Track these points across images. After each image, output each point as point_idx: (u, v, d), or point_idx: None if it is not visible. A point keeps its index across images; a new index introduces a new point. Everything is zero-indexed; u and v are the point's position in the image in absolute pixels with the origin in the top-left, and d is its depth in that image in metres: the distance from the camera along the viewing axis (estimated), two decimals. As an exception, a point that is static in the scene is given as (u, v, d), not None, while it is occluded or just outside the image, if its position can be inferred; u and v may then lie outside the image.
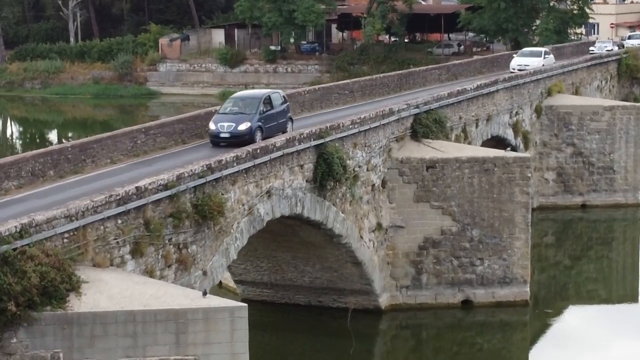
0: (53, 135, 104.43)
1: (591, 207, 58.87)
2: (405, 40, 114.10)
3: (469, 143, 48.34)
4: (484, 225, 41.33)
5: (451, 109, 46.35)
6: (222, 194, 30.48)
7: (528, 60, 63.16)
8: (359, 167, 38.62)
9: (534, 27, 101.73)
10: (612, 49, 77.57)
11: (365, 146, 39.09)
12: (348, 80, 50.80)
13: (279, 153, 33.27)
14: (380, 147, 40.24)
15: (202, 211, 29.33)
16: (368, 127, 38.96)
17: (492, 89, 50.95)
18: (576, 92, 63.97)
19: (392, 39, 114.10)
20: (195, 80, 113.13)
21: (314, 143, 35.36)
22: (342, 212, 37.45)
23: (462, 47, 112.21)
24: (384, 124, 40.19)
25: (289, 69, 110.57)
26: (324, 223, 36.53)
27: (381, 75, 53.97)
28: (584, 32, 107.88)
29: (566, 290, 48.15)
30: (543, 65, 62.88)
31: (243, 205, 31.75)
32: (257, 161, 32.09)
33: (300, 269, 40.40)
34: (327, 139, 35.96)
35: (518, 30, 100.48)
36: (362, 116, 38.64)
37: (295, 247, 39.07)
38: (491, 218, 41.38)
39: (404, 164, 41.13)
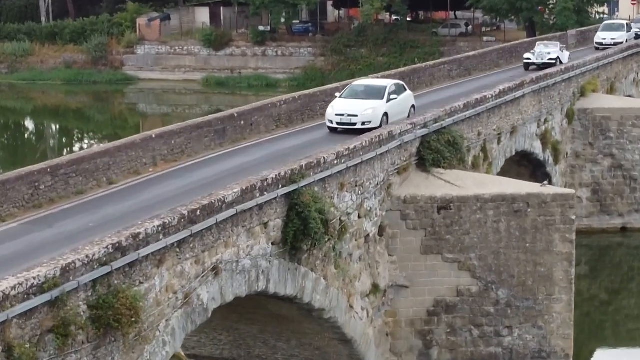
0: (28, 124, 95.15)
1: (633, 230, 48.81)
2: (408, 20, 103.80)
3: (490, 164, 38.25)
4: (514, 283, 31.38)
5: (468, 124, 36.24)
6: (140, 283, 20.44)
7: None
8: (348, 214, 28.50)
9: (550, 6, 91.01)
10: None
11: (356, 186, 28.98)
12: (338, 84, 40.56)
13: (230, 212, 23.17)
14: (377, 185, 30.14)
15: (103, 318, 19.30)
16: (360, 161, 28.83)
17: (518, 93, 40.75)
18: (611, 89, 53.78)
19: (393, 18, 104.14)
20: (177, 64, 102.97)
21: (282, 191, 25.25)
22: (325, 279, 27.37)
23: (470, 27, 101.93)
24: (381, 154, 30.06)
25: (280, 52, 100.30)
26: (299, 297, 26.50)
27: (378, 76, 43.68)
28: (606, 12, 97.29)
29: (602, 330, 39.57)
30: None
31: (175, 293, 21.68)
32: (197, 228, 21.99)
33: (270, 344, 30.38)
34: (302, 184, 25.84)
35: (533, 9, 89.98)
36: (352, 145, 28.48)
37: (262, 320, 29.08)
38: (523, 274, 31.42)
39: (409, 205, 31.06)
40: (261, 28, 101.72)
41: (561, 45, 53.58)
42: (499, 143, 39.24)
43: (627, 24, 62.64)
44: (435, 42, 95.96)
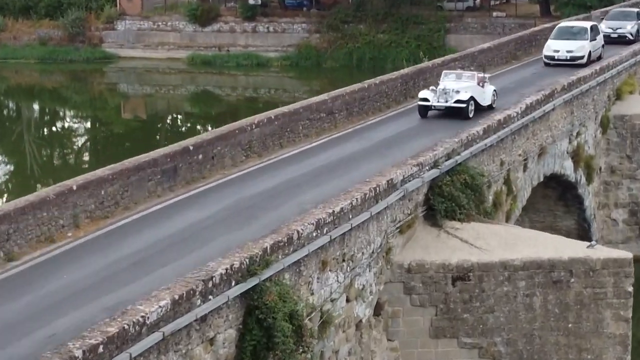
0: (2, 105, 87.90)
1: (678, 258, 41.20)
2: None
3: (514, 198, 30.69)
4: (552, 375, 23.99)
5: (488, 154, 28.67)
6: None
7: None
8: (332, 301, 20.97)
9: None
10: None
11: (344, 260, 21.43)
12: (325, 96, 32.84)
13: (154, 338, 15.68)
14: (372, 253, 22.59)
15: None
16: (349, 227, 21.27)
17: (547, 106, 33.10)
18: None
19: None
20: (160, 41, 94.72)
21: (236, 291, 17.73)
22: (299, 392, 19.90)
23: (478, 0, 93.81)
24: (378, 212, 22.50)
25: (271, 29, 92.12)
26: None
27: (377, 80, 35.95)
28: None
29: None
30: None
31: None
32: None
33: None
34: (266, 274, 18.32)
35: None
36: (338, 208, 20.87)
37: None
38: (564, 363, 24.03)
39: (414, 274, 23.56)
40: (251, 2, 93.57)
41: (483, 75, 34.92)
42: (524, 170, 31.67)
43: (591, 27, 44.85)
44: (440, 18, 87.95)
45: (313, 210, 20.68)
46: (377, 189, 22.44)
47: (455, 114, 32.31)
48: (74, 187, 22.41)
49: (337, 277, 21.06)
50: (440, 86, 33.24)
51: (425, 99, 33.07)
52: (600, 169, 39.85)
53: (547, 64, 43.57)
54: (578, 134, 36.69)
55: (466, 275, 23.54)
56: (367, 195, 21.98)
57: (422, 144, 29.57)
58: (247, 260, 17.98)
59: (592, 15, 59.54)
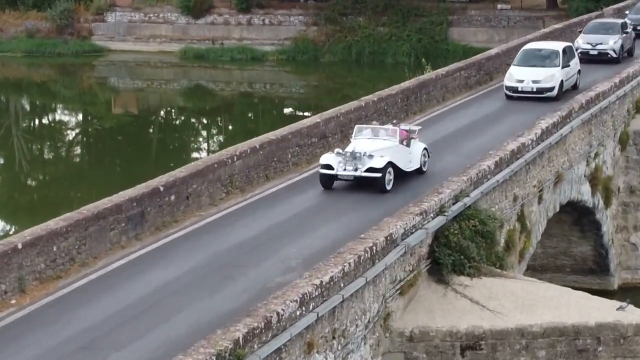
0: None
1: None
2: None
3: (528, 234, 27.41)
4: None
5: (500, 190, 25.36)
6: None
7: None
8: (319, 388, 17.70)
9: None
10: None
11: (334, 338, 18.14)
12: (317, 118, 29.46)
13: None
14: (368, 323, 19.30)
15: None
16: (340, 299, 17.97)
17: (565, 129, 29.76)
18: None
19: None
20: (151, 33, 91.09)
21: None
22: None
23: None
24: (375, 277, 19.20)
25: (267, 21, 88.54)
26: None
27: (374, 97, 32.53)
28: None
29: None
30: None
31: None
32: None
33: None
34: (239, 370, 15.09)
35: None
36: (327, 277, 17.58)
37: None
38: None
39: (417, 343, 20.29)
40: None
41: (409, 129, 27.37)
42: (539, 202, 28.37)
43: (564, 49, 36.75)
44: (442, 10, 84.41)
45: (297, 282, 17.36)
46: (374, 247, 19.14)
47: (369, 185, 24.81)
48: (19, 246, 19.13)
49: (326, 358, 17.78)
50: (350, 147, 25.12)
51: (328, 166, 24.90)
52: (618, 189, 36.55)
53: (508, 97, 35.79)
54: (596, 154, 33.40)
55: (477, 344, 20.28)
56: (362, 258, 18.68)
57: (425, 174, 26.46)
58: (214, 358, 14.72)
59: (604, 12, 56.00)
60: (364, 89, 79.27)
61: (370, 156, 24.58)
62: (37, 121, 78.70)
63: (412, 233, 20.65)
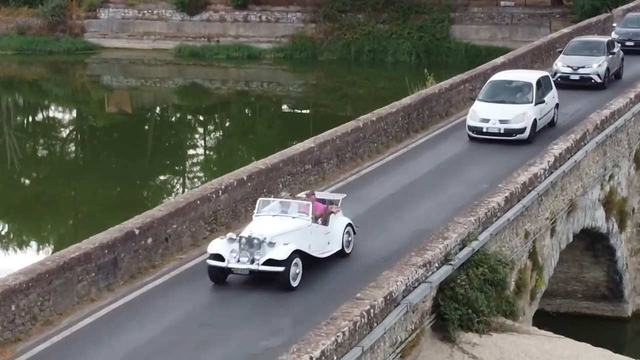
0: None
1: None
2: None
3: (540, 271, 25.21)
4: None
5: (511, 228, 23.13)
6: None
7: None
8: None
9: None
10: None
11: (326, 420, 15.93)
12: (311, 143, 27.12)
13: None
14: (364, 396, 17.10)
15: None
16: (333, 376, 15.75)
17: (578, 154, 27.52)
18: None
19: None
20: (145, 30, 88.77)
21: None
22: None
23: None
24: (373, 344, 16.97)
25: (264, 18, 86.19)
26: None
27: (373, 117, 30.26)
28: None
29: None
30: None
31: None
32: None
33: None
34: None
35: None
36: (318, 352, 15.33)
37: None
38: None
39: (419, 413, 18.06)
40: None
41: (329, 200, 22.12)
42: (552, 235, 26.14)
43: (538, 81, 31.61)
44: (444, 7, 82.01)
45: (282, 359, 15.14)
46: (372, 310, 16.92)
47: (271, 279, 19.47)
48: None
49: None
50: (247, 230, 19.74)
51: (218, 257, 19.65)
52: (633, 210, 34.32)
53: (472, 138, 30.72)
54: (611, 176, 31.16)
55: (487, 414, 18.08)
56: (358, 324, 16.46)
57: (432, 207, 24.26)
58: None
59: (613, 15, 53.64)
60: (364, 88, 77.68)
61: (272, 243, 19.15)
62: (29, 120, 77.01)
63: (414, 288, 18.45)
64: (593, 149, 28.77)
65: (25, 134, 69.15)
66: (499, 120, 30.15)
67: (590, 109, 32.95)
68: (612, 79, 39.13)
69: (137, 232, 20.60)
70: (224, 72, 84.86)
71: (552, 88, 32.45)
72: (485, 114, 30.43)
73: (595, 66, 38.00)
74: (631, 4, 57.06)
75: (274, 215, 20.30)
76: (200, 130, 71.54)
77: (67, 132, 70.96)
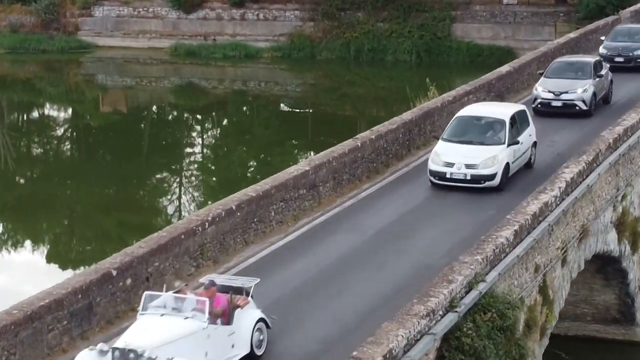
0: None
1: None
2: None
3: (550, 305, 23.52)
4: None
5: (520, 264, 21.42)
6: None
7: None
8: None
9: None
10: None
11: None
12: (306, 166, 25.39)
13: None
14: None
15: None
16: None
17: (591, 178, 25.81)
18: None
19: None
20: (140, 29, 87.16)
21: None
22: None
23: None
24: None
25: (262, 16, 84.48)
26: None
27: (372, 135, 28.51)
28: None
29: None
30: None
31: None
32: None
33: None
34: None
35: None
36: None
37: None
38: None
39: None
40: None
41: (237, 298, 17.53)
42: (563, 265, 24.45)
43: (512, 117, 27.67)
44: (445, 5, 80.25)
45: None
46: (369, 373, 15.24)
47: None
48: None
49: None
50: (122, 340, 15.59)
51: None
52: (644, 228, 32.64)
53: (433, 184, 26.73)
54: (623, 196, 29.46)
55: None
56: (353, 392, 14.79)
57: (437, 236, 22.63)
58: None
59: (621, 17, 51.85)
60: (363, 88, 76.03)
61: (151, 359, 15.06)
62: (23, 119, 75.95)
63: (417, 341, 16.78)
64: (606, 170, 27.05)
65: (19, 133, 68.33)
66: (465, 165, 26.11)
67: (574, 140, 30.47)
68: (600, 104, 35.53)
69: (114, 272, 18.93)
70: (220, 71, 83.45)
71: (529, 124, 28.39)
72: (450, 156, 26.26)
73: (580, 91, 34.28)
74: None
75: (162, 315, 16.03)
76: (197, 130, 70.21)
77: (61, 131, 69.93)
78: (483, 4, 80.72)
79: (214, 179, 54.96)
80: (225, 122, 71.89)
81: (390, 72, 78.03)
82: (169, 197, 51.14)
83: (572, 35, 45.99)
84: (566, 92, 34.23)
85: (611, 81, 36.59)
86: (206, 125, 71.75)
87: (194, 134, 68.45)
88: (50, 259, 40.45)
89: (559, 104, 34.25)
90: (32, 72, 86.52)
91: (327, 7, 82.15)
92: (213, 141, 65.74)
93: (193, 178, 55.65)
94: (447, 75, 77.46)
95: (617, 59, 40.33)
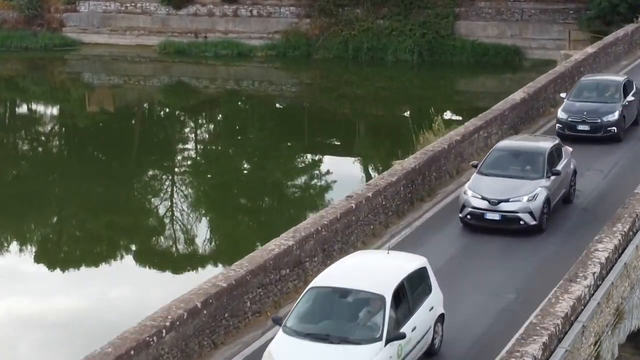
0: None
1: None
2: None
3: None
4: None
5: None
6: None
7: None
8: None
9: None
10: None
11: None
12: (290, 240, 21.14)
13: None
14: None
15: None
16: None
17: (628, 255, 21.77)
18: None
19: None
20: (128, 25, 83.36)
21: None
22: None
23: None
24: None
25: (255, 12, 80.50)
26: None
27: (369, 192, 24.43)
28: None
29: None
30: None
31: None
32: None
33: None
34: None
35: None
36: None
37: None
38: None
39: None
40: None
41: None
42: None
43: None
44: (448, 2, 76.00)
45: None
46: None
47: None
48: None
49: None
50: None
51: None
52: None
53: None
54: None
55: None
56: None
57: (454, 325, 18.68)
58: None
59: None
60: (362, 88, 72.09)
61: None
62: (5, 117, 73.12)
63: None
64: (643, 238, 23.04)
65: (2, 132, 66.37)
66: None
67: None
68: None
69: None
70: (212, 70, 79.95)
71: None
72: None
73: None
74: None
75: None
76: (187, 129, 67.64)
77: (46, 131, 67.44)
78: (488, 0, 76.57)
79: (205, 177, 52.46)
80: (217, 122, 69.31)
81: (390, 72, 74.72)
82: (160, 196, 49.27)
83: (589, 50, 41.81)
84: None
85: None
86: (197, 125, 69.38)
87: (184, 135, 65.87)
88: (38, 259, 38.78)
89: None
90: (14, 70, 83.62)
91: (324, 3, 78.29)
92: (204, 142, 62.88)
93: (185, 176, 53.23)
94: (451, 76, 73.93)
95: (581, 127, 32.40)
